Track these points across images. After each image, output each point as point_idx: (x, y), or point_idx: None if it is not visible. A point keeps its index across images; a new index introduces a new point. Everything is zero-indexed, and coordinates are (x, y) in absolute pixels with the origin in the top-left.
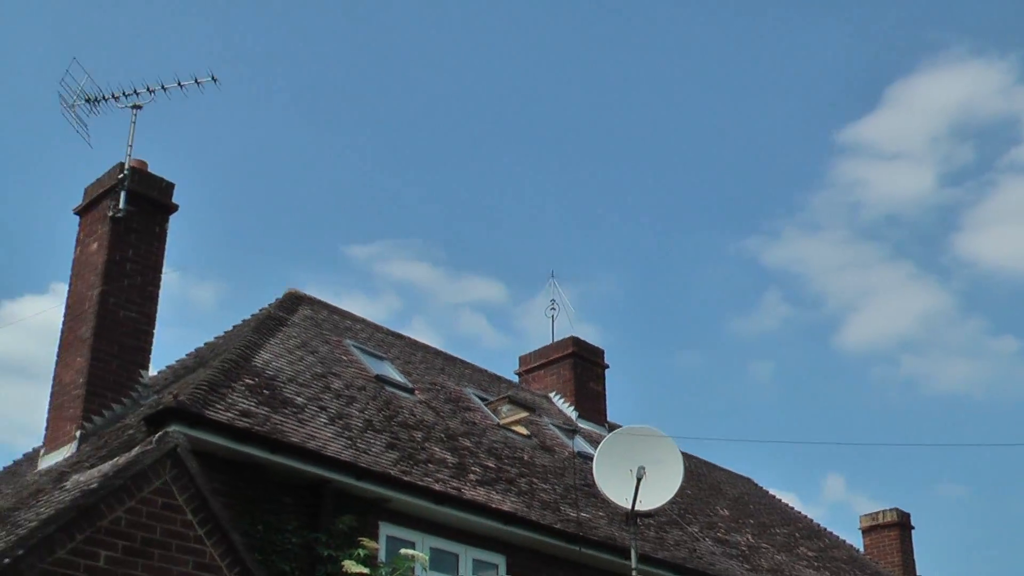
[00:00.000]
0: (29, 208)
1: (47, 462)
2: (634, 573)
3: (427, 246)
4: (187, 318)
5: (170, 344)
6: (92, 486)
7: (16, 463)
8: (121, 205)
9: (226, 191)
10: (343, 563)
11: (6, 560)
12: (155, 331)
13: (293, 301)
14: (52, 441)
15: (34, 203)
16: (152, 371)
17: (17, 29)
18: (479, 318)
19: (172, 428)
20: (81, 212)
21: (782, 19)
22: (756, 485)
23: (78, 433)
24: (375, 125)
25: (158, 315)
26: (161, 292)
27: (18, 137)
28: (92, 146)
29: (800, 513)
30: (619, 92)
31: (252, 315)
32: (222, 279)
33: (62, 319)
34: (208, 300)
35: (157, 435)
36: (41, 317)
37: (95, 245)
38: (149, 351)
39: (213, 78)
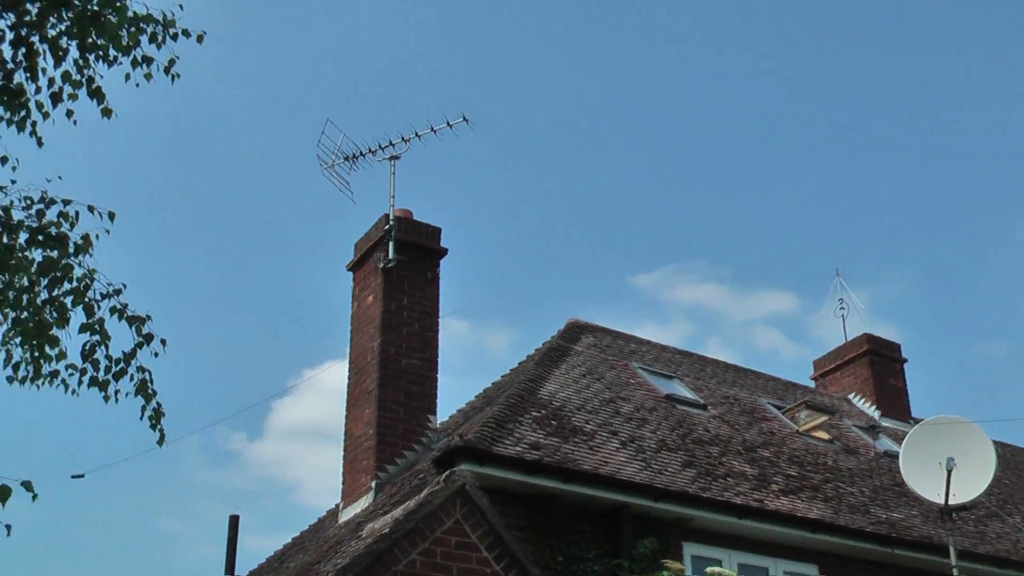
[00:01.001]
0: (314, 275)
1: (346, 515)
2: (955, 571)
3: (712, 266)
4: (481, 365)
5: (467, 392)
6: (384, 531)
7: (320, 520)
8: (390, 255)
9: (495, 232)
10: None
11: None
12: (439, 375)
13: (575, 331)
14: (349, 494)
15: (317, 269)
16: (444, 416)
17: (269, 101)
18: (774, 332)
19: (461, 467)
20: (353, 268)
21: None
22: None
23: (373, 484)
24: (640, 151)
25: (452, 364)
26: (441, 337)
27: (286, 208)
28: (356, 202)
29: None
30: (890, 80)
31: (536, 350)
32: (510, 323)
33: (347, 374)
34: (500, 344)
35: (444, 475)
36: (340, 383)
37: (370, 298)
38: (435, 396)
39: (465, 119)
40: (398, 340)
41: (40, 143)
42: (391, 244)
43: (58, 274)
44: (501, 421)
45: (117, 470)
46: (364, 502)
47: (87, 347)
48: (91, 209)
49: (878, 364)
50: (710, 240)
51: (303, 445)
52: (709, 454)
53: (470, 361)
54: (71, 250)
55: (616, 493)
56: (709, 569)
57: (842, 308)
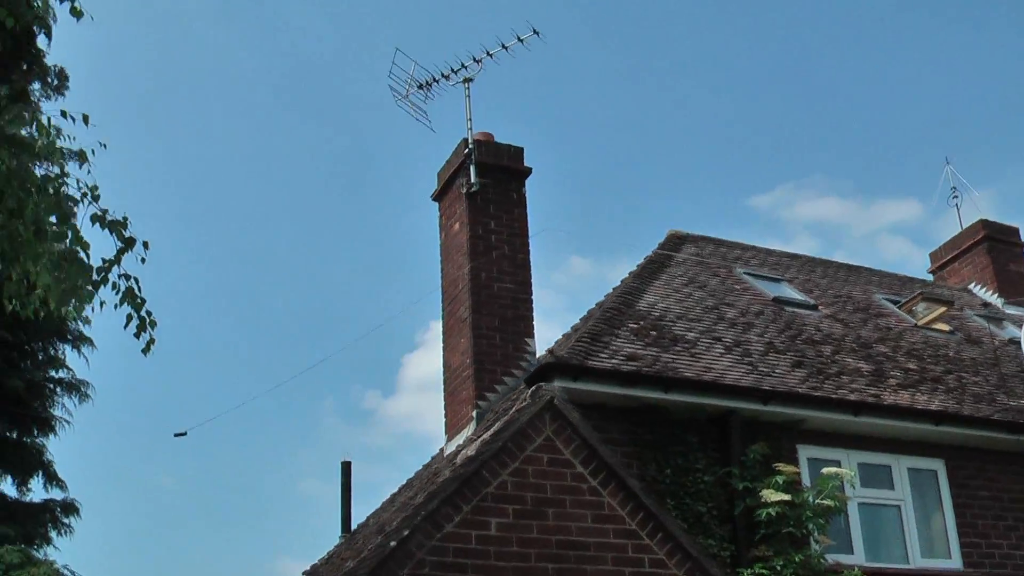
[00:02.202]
0: (414, 216)
1: (450, 448)
2: None
3: (831, 180)
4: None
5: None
6: (471, 454)
7: (432, 458)
8: (472, 179)
9: (596, 154)
10: (761, 493)
11: (392, 543)
12: (533, 298)
13: (675, 241)
14: (452, 427)
15: (417, 209)
16: (550, 342)
17: (339, 41)
18: (900, 240)
19: (554, 384)
20: (438, 197)
21: None
22: None
23: (474, 413)
24: (742, 68)
25: (582, 303)
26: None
27: (366, 149)
28: (435, 130)
29: None
30: None
31: (637, 265)
32: (633, 256)
33: (441, 305)
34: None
35: (530, 391)
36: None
37: (456, 225)
38: (531, 319)
39: (535, 32)
40: (488, 265)
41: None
42: (472, 168)
43: (28, 184)
44: (596, 335)
45: (260, 433)
46: (467, 433)
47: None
48: (64, 114)
49: (996, 250)
50: (827, 154)
51: (438, 396)
52: (821, 353)
53: (598, 298)
54: (36, 155)
55: (721, 399)
56: (826, 470)
57: (955, 197)
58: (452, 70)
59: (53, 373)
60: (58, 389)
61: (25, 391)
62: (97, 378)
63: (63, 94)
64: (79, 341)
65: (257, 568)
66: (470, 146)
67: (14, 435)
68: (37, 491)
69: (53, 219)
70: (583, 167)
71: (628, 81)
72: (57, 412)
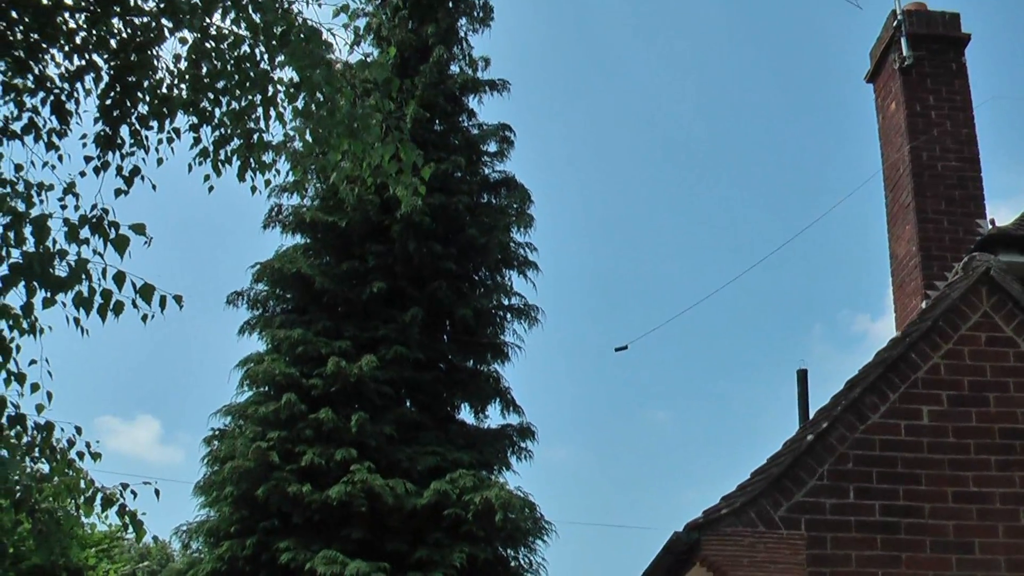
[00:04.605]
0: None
1: None
2: None
3: None
4: None
5: None
6: (896, 336)
7: None
8: (905, 53)
9: None
10: None
11: (809, 437)
12: (982, 172)
13: None
14: (902, 322)
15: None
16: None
17: None
18: None
19: (1001, 259)
20: (871, 78)
21: None
22: None
23: (923, 304)
24: None
25: None
26: (981, 133)
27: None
28: (861, 7)
29: None
30: None
31: None
32: None
33: (884, 192)
34: None
35: (962, 263)
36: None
37: (892, 104)
38: (981, 198)
39: None
40: (929, 143)
41: None
42: (903, 41)
43: None
44: None
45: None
46: None
47: None
48: None
49: None
50: None
51: None
52: None
53: None
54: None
55: None
56: None
57: None
58: None
59: (504, 300)
60: (508, 315)
61: (474, 319)
62: (544, 302)
63: (488, 26)
64: (524, 266)
65: None
66: (899, 17)
67: (469, 363)
68: (494, 417)
69: None
70: None
71: None
72: (508, 338)
